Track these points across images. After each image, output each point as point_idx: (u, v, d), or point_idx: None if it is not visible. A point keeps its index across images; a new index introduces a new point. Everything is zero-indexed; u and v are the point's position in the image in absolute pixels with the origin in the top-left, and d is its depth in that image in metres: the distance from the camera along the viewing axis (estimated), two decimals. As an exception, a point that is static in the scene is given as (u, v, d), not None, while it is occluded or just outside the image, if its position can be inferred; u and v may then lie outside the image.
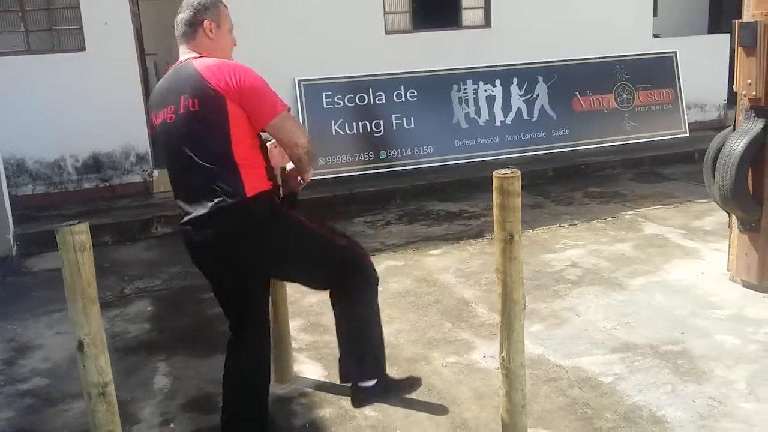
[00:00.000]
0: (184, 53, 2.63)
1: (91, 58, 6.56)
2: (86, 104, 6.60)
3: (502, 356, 2.45)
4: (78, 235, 1.94)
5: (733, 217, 4.30)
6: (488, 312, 4.06)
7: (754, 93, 3.90)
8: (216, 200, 2.44)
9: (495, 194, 2.34)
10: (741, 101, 4.09)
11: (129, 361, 3.80)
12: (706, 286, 4.32)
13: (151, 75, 8.92)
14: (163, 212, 6.32)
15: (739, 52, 3.97)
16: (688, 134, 8.73)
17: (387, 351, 3.35)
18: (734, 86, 4.13)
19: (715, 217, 5.71)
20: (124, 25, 6.63)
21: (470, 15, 8.06)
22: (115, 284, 5.02)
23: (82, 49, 6.57)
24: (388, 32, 7.61)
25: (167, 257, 5.56)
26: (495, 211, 2.37)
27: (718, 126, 9.17)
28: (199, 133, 2.46)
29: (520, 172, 2.36)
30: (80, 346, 2.02)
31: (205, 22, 2.61)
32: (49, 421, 3.22)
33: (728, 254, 4.45)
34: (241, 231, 2.49)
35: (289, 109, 2.58)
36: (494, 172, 2.36)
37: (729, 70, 9.33)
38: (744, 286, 4.24)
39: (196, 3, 2.62)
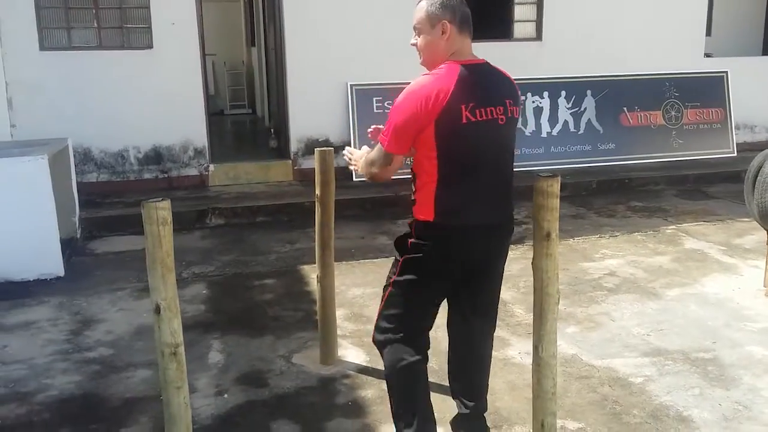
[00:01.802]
0: (471, 52, 2.53)
1: (158, 56, 6.94)
2: (150, 99, 6.97)
3: (535, 347, 2.63)
4: (161, 210, 2.20)
5: (772, 234, 4.38)
6: (525, 312, 4.23)
7: (796, 113, 3.99)
8: (510, 209, 2.67)
9: (535, 195, 2.53)
10: (784, 121, 4.18)
11: (186, 337, 4.05)
12: (742, 300, 4.41)
13: (209, 74, 9.32)
14: (218, 204, 6.65)
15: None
16: (735, 154, 8.71)
17: (431, 344, 3.57)
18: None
19: (756, 235, 5.76)
20: (189, 26, 7.00)
21: (522, 28, 8.22)
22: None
23: (150, 47, 6.95)
24: (440, 41, 7.81)
25: (221, 246, 5.86)
26: (534, 210, 2.55)
27: (767, 147, 9.15)
28: (513, 142, 2.62)
29: (559, 176, 2.55)
30: (157, 309, 2.27)
31: None
32: (113, 385, 3.51)
33: (765, 270, 4.53)
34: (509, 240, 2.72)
35: None
36: (536, 174, 2.55)
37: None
38: (779, 302, 4.32)
39: None
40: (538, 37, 8.21)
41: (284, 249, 5.78)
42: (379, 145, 2.52)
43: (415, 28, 2.48)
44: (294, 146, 7.53)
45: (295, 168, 7.57)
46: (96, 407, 3.31)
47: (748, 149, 8.95)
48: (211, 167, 7.32)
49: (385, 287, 2.66)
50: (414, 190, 2.55)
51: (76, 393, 3.44)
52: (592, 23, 8.26)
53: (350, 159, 2.83)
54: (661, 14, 8.47)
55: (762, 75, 9.11)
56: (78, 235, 5.99)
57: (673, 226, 6.17)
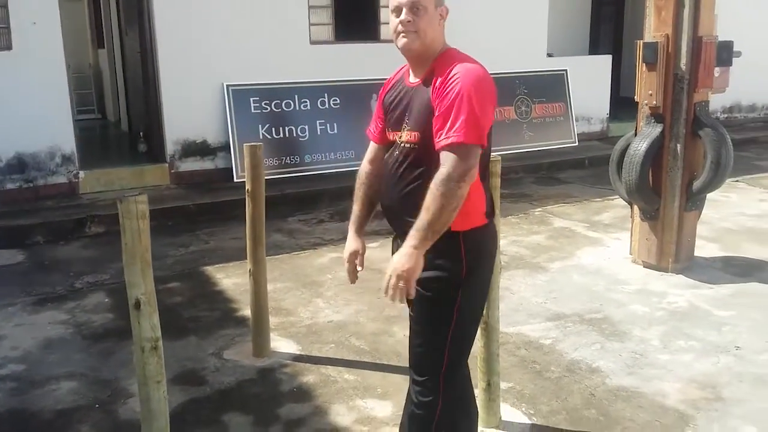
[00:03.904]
0: None
1: (18, 58, 6.47)
2: (11, 104, 6.49)
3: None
4: (140, 204, 2.21)
5: (636, 208, 5.03)
6: (435, 292, 4.53)
7: (654, 102, 4.64)
8: None
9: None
10: (642, 109, 4.83)
11: (103, 345, 3.95)
12: (614, 268, 5.03)
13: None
14: (95, 212, 6.34)
15: (642, 67, 4.71)
16: (577, 143, 9.68)
17: (352, 329, 3.76)
18: (635, 96, 4.87)
19: (611, 212, 6.53)
20: (51, 26, 6.60)
21: (387, 29, 8.56)
22: (62, 280, 5.06)
23: (9, 48, 6.47)
24: (312, 42, 7.98)
25: (109, 254, 5.62)
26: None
27: (601, 136, 10.26)
28: None
29: (500, 159, 2.85)
30: (137, 304, 2.27)
31: None
32: (39, 400, 3.34)
33: (630, 240, 5.19)
34: None
35: None
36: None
37: (611, 87, 10.46)
38: (645, 266, 4.98)
39: None
40: (402, 38, 8.60)
41: (179, 252, 5.67)
42: (454, 149, 2.00)
43: (411, 4, 2.13)
44: (170, 149, 7.35)
45: (172, 171, 7.38)
46: (28, 422, 3.16)
47: (587, 138, 10.00)
48: (81, 174, 6.95)
49: (442, 326, 2.24)
50: None
51: (1, 411, 3.24)
52: (449, 27, 8.79)
53: (393, 291, 2.07)
54: (508, 16, 9.20)
55: (593, 72, 10.19)
56: (-60, 253, 5.48)
57: (540, 209, 6.80)
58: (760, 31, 10.69)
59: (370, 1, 8.56)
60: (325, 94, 7.96)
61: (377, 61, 8.30)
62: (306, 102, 7.85)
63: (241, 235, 6.01)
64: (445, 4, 2.24)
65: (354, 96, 8.12)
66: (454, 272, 2.18)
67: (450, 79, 2.06)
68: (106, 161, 7.70)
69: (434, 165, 2.04)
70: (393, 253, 2.32)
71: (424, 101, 2.14)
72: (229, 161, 7.44)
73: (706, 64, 4.60)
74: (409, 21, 2.13)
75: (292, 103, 7.77)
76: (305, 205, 6.99)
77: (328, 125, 7.94)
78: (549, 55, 9.97)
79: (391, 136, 2.30)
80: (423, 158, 2.14)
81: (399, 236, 2.28)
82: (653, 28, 4.76)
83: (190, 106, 7.31)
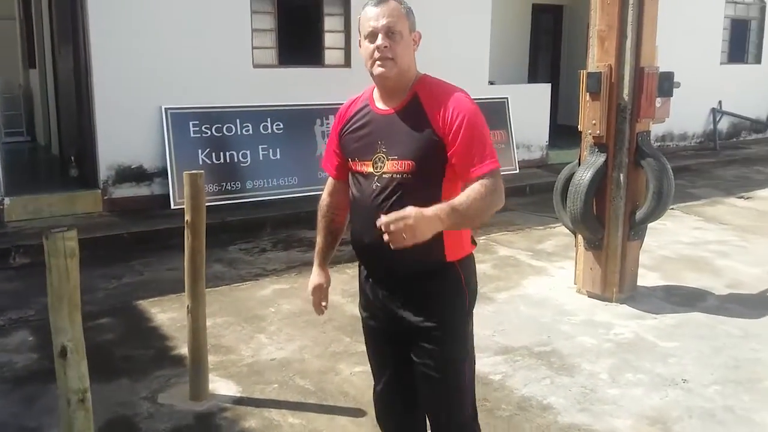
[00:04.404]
0: None
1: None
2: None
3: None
4: (69, 241, 2.03)
5: (580, 237, 5.04)
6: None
7: (598, 131, 4.68)
8: None
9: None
10: (586, 138, 4.87)
11: (26, 390, 3.66)
12: (560, 298, 5.01)
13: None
14: (21, 241, 5.99)
15: (585, 96, 4.75)
16: (518, 171, 9.78)
17: (296, 367, 3.58)
18: (579, 126, 4.91)
19: (554, 240, 6.56)
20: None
21: (332, 55, 8.51)
22: (-18, 316, 4.72)
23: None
24: (255, 66, 7.82)
25: (35, 287, 5.25)
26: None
27: (541, 164, 10.41)
28: None
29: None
30: (63, 352, 2.08)
31: None
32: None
33: (575, 270, 5.19)
34: None
35: None
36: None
37: (550, 115, 10.65)
38: (590, 296, 4.98)
39: None
40: (347, 64, 8.55)
41: (111, 285, 5.38)
42: (494, 174, 2.02)
43: (387, 29, 2.04)
44: (103, 174, 7.03)
45: (105, 198, 7.06)
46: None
47: (527, 166, 10.11)
48: (7, 200, 6.57)
49: (461, 364, 2.23)
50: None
51: None
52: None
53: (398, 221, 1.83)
54: (451, 43, 9.26)
55: (533, 100, 10.36)
56: None
57: (484, 237, 6.77)
58: (690, 60, 11.10)
59: (314, 25, 8.48)
60: (268, 119, 7.80)
61: (321, 86, 8.23)
62: (248, 126, 7.66)
63: (178, 265, 5.76)
64: (417, 29, 2.16)
65: (298, 121, 7.98)
66: (459, 305, 2.18)
67: (453, 111, 2.03)
68: (34, 187, 7.31)
69: (430, 197, 2.00)
70: (365, 295, 2.28)
71: (416, 129, 2.07)
72: (167, 187, 7.17)
73: (648, 94, 4.67)
74: (385, 47, 2.04)
75: (233, 127, 7.57)
76: (247, 234, 6.78)
77: (270, 150, 7.77)
78: (490, 83, 10.08)
79: (358, 166, 2.16)
80: (418, 190, 2.04)
81: (378, 278, 2.21)
82: (596, 58, 4.81)
83: (126, 129, 7.04)
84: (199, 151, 7.33)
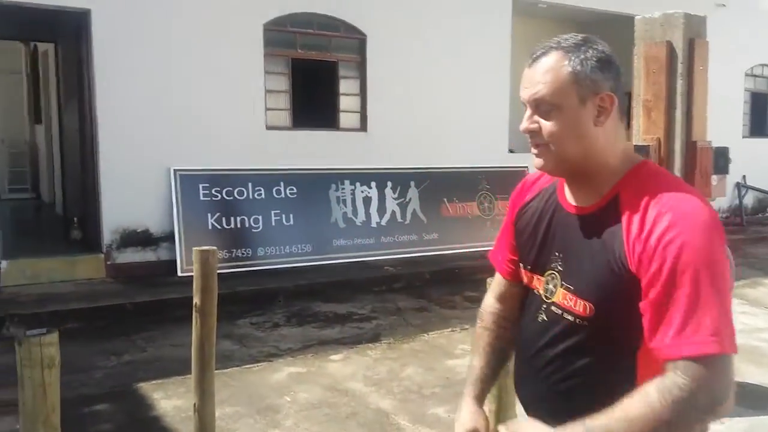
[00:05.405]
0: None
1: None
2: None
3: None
4: (48, 347, 1.62)
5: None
6: (412, 425, 3.91)
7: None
8: None
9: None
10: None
11: (6, 495, 3.16)
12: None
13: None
14: (16, 309, 5.55)
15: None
16: (539, 242, 9.38)
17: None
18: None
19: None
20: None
21: (347, 118, 8.25)
22: (-36, 397, 4.23)
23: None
24: (269, 128, 7.54)
25: (26, 363, 4.81)
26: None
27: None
28: None
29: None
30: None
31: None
32: None
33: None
34: None
35: None
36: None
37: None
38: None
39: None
40: (363, 128, 8.28)
41: (110, 363, 4.91)
42: (706, 362, 1.19)
43: (535, 102, 1.37)
44: (107, 238, 6.64)
45: (109, 263, 6.64)
46: None
47: (549, 237, 9.71)
48: (4, 264, 6.15)
49: None
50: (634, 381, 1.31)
51: None
52: (411, 118, 8.54)
53: None
54: (471, 111, 9.02)
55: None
56: None
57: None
58: (713, 134, 10.82)
59: (329, 87, 8.24)
60: (281, 183, 7.46)
61: (336, 150, 7.94)
62: (260, 190, 7.32)
63: (184, 341, 5.28)
64: (609, 89, 1.34)
65: (312, 185, 7.65)
66: None
67: (662, 232, 1.24)
68: (34, 249, 6.92)
69: (617, 370, 1.33)
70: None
71: (602, 252, 1.33)
72: (174, 253, 6.76)
73: (703, 171, 4.31)
74: (533, 129, 1.38)
75: (245, 190, 7.22)
76: (258, 305, 6.33)
77: (283, 215, 7.40)
78: (511, 151, 9.80)
79: (527, 276, 1.53)
80: (597, 352, 1.36)
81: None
82: (643, 130, 4.47)
83: (132, 191, 6.68)
84: (209, 215, 6.96)
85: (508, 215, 1.65)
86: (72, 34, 7.29)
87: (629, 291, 1.27)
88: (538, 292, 1.48)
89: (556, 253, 1.44)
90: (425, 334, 5.62)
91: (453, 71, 8.77)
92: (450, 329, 5.82)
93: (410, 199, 8.39)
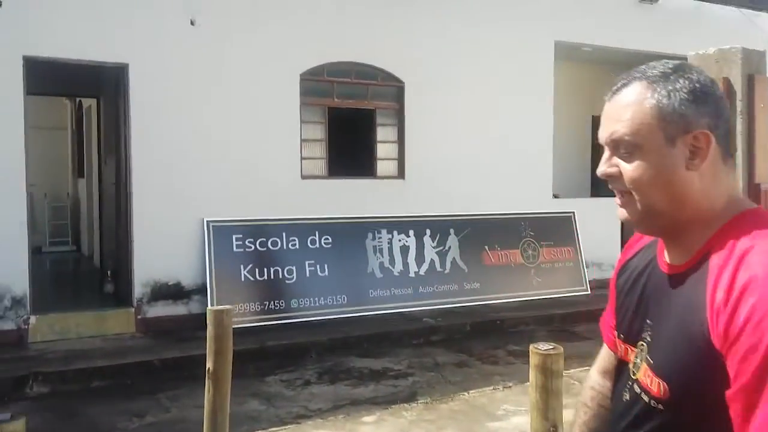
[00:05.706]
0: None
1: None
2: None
3: None
4: (13, 437, 1.36)
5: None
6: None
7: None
8: None
9: (534, 373, 2.01)
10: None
11: None
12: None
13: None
14: (41, 367, 5.39)
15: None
16: (589, 291, 8.91)
17: None
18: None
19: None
20: (15, 155, 5.98)
21: (384, 166, 8.05)
22: (-22, 462, 4.02)
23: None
24: (304, 177, 7.38)
25: (47, 425, 4.61)
26: (533, 393, 2.02)
27: (612, 283, 9.50)
28: None
29: (562, 349, 2.06)
30: None
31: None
32: None
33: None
34: None
35: None
36: (532, 347, 2.04)
37: (621, 229, 9.85)
38: None
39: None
40: (401, 175, 8.06)
41: (132, 425, 4.67)
42: None
43: (614, 142, 1.14)
44: (138, 291, 6.50)
45: (139, 317, 6.49)
46: None
47: (599, 286, 9.21)
48: (33, 319, 6.04)
49: None
50: None
51: None
52: (450, 164, 8.30)
53: None
54: (513, 156, 8.74)
55: (603, 214, 9.60)
56: None
57: (564, 374, 5.88)
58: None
59: (365, 135, 8.08)
60: (316, 232, 7.25)
61: (373, 199, 7.72)
62: (294, 240, 7.12)
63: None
64: (706, 126, 1.09)
65: (348, 235, 7.42)
66: None
67: (756, 306, 0.95)
68: (64, 303, 6.83)
69: None
70: None
71: (684, 322, 1.08)
72: (205, 306, 6.55)
73: (766, 215, 3.91)
74: (611, 174, 1.15)
75: (279, 241, 7.03)
76: (289, 361, 6.05)
77: (318, 266, 7.16)
78: (555, 197, 9.44)
79: (620, 349, 1.28)
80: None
81: None
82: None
83: (164, 243, 6.55)
84: (242, 266, 6.77)
85: (613, 277, 1.40)
86: (112, 88, 7.33)
87: (712, 371, 1.01)
88: (627, 363, 1.23)
89: (648, 321, 1.19)
90: (465, 393, 5.24)
91: (493, 116, 8.54)
92: (492, 387, 5.42)
93: (450, 248, 8.07)
